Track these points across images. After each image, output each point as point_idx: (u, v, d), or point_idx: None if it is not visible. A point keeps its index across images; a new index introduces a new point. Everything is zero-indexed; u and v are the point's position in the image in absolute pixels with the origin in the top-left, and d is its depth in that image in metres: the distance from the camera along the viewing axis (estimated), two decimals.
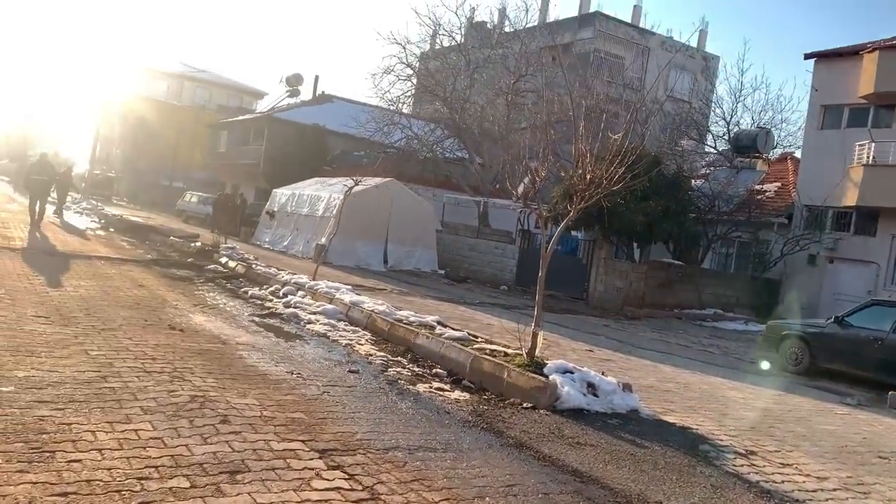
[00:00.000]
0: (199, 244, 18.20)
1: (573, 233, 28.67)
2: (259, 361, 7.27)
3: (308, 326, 9.78)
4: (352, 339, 9.21)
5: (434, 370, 7.96)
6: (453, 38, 29.17)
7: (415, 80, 30.67)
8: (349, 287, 12.97)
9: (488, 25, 35.87)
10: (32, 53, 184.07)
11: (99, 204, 35.49)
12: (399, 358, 8.46)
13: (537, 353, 7.58)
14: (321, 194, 24.24)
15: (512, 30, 33.70)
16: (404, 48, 28.63)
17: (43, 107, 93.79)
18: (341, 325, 10.10)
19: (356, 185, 16.92)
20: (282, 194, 27.34)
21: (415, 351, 8.77)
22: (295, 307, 10.93)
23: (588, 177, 7.87)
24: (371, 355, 8.40)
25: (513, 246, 24.06)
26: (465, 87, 28.37)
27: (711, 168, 28.06)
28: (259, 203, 34.91)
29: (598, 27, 39.78)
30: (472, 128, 28.80)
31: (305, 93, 45.48)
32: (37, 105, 79.22)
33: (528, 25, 33.17)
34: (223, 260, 15.77)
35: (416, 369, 7.98)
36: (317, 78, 43.03)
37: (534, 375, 7.05)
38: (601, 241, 20.41)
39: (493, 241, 25.36)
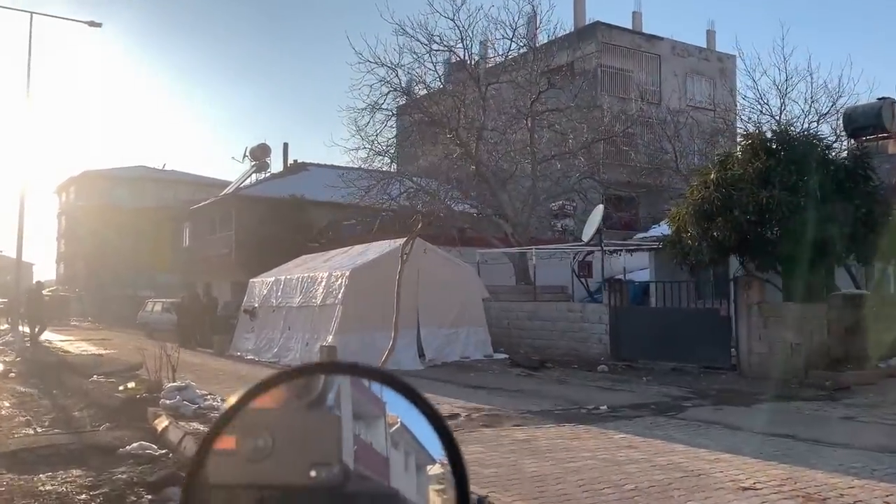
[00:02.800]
0: (131, 386, 10.73)
1: (639, 271, 21.66)
2: None
3: None
4: None
5: None
6: (453, 52, 22.40)
7: (411, 115, 23.80)
8: None
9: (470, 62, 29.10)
10: None
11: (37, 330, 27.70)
12: None
13: None
14: (317, 274, 16.88)
15: (501, 59, 27.10)
16: (396, 71, 21.74)
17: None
18: None
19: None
20: (262, 284, 19.98)
21: None
22: None
23: None
24: None
25: (596, 305, 16.78)
26: (477, 111, 21.55)
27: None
28: (236, 300, 27.47)
29: (602, 38, 33.56)
30: (493, 162, 21.91)
31: (274, 165, 38.63)
32: None
33: (517, 52, 26.41)
34: (163, 424, 8.15)
35: None
36: (286, 146, 36.45)
37: None
38: (747, 278, 13.22)
39: (559, 302, 18.13)
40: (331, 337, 15.27)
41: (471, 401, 10.83)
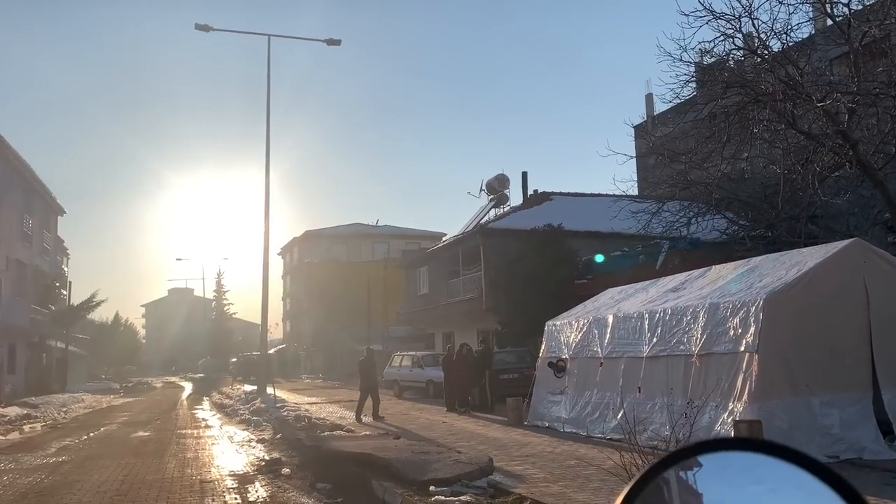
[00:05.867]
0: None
1: None
2: None
3: None
4: None
5: None
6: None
7: (723, 96, 17.59)
8: None
9: None
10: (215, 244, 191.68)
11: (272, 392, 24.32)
12: None
13: None
14: (687, 307, 11.06)
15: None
16: (739, 22, 15.44)
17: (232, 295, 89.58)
18: None
19: None
20: (570, 327, 14.49)
21: None
22: None
23: None
24: None
25: None
26: (849, 72, 15.02)
27: None
28: (504, 351, 22.37)
29: None
30: (876, 143, 15.11)
31: (513, 198, 33.81)
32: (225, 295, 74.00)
33: None
34: None
35: None
36: (524, 175, 31.54)
37: None
38: None
39: None
40: (738, 405, 9.34)
41: None
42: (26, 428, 18.92)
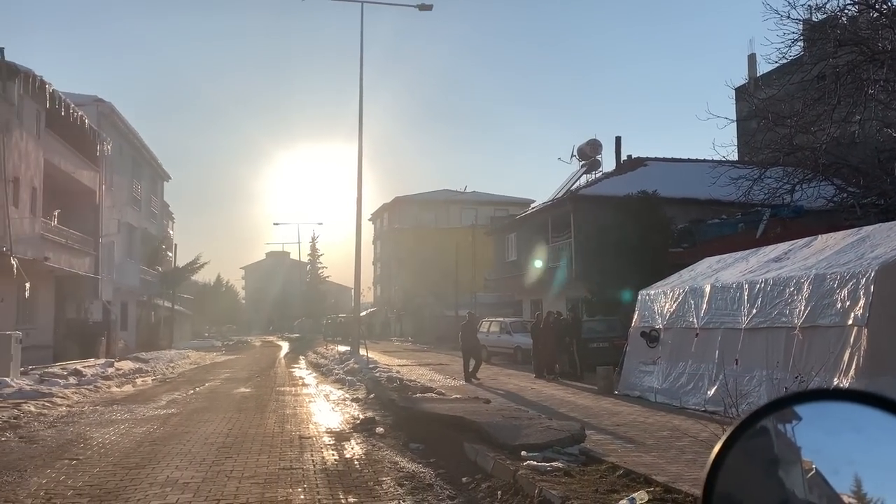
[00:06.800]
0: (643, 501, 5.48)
1: None
2: None
3: None
4: None
5: None
6: None
7: (833, 55, 16.59)
8: None
9: None
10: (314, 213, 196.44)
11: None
12: None
13: None
14: (790, 277, 10.66)
15: None
16: None
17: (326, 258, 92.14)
18: None
19: None
20: (664, 296, 14.22)
21: None
22: None
23: None
24: None
25: None
26: None
27: None
28: (593, 319, 22.22)
29: None
30: None
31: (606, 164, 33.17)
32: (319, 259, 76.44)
33: None
34: None
35: None
36: (618, 140, 30.74)
37: None
38: None
39: None
40: (845, 380, 9.00)
41: None
42: (138, 381, 20.28)
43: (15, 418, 11.75)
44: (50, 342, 25.11)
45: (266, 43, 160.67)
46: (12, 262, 19.44)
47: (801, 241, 12.46)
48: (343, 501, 6.31)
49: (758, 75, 28.71)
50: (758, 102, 21.96)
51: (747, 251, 14.35)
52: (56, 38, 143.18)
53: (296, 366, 28.07)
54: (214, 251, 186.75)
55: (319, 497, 6.47)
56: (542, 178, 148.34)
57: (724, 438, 1.02)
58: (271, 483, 7.01)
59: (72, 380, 17.52)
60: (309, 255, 75.13)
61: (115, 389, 17.76)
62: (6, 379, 15.71)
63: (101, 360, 23.46)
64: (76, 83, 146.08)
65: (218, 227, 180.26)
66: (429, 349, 37.77)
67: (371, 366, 20.47)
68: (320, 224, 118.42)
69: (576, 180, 32.42)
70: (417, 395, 12.99)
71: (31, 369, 18.29)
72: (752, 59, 31.50)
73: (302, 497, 6.45)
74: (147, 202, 40.63)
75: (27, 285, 20.76)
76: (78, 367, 19.76)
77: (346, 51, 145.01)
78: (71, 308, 28.24)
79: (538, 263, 24.33)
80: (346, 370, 20.73)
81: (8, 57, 20.06)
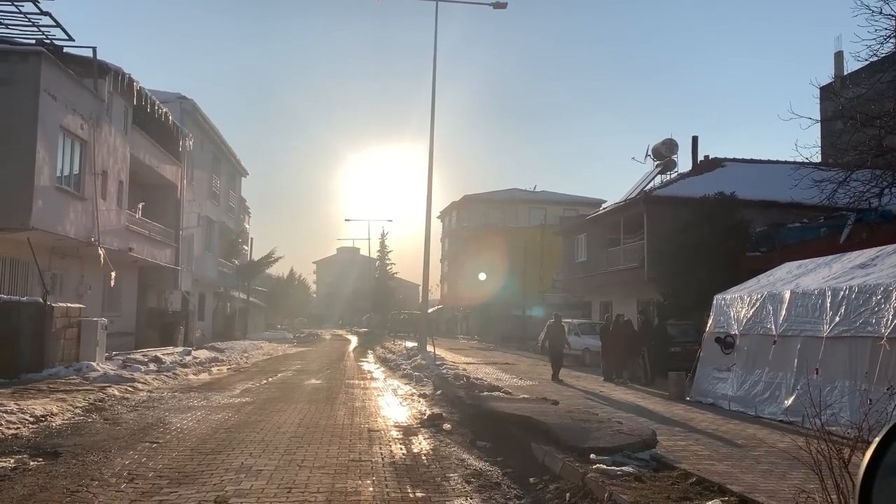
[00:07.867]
0: None
1: None
2: None
3: None
4: None
5: None
6: None
7: None
8: None
9: None
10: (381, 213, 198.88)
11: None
12: None
13: None
14: (879, 285, 10.17)
15: None
16: None
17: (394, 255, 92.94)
18: None
19: None
20: (741, 301, 13.80)
21: None
22: None
23: None
24: None
25: None
26: None
27: None
28: (667, 324, 21.72)
29: None
30: None
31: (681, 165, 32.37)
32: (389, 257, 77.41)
33: None
34: None
35: None
36: (695, 140, 29.94)
37: None
38: None
39: None
40: None
41: None
42: (214, 370, 20.95)
43: (100, 401, 12.30)
44: (132, 329, 26.20)
45: (338, 45, 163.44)
46: (100, 251, 20.35)
47: (890, 248, 11.87)
48: (411, 495, 6.35)
49: (845, 74, 27.48)
50: (844, 102, 21.02)
51: (830, 257, 13.77)
52: (145, 39, 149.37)
53: (364, 360, 28.47)
54: (288, 246, 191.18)
55: (388, 490, 6.53)
56: (614, 178, 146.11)
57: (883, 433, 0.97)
58: (341, 474, 7.12)
59: (152, 366, 18.25)
60: (378, 251, 76.03)
61: (192, 377, 18.39)
62: (93, 363, 16.49)
63: (180, 349, 24.36)
64: (161, 81, 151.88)
65: (292, 223, 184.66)
66: (494, 348, 37.71)
67: (438, 362, 20.59)
68: (390, 221, 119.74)
69: (650, 181, 31.76)
70: (484, 393, 12.97)
71: (115, 355, 19.15)
72: (838, 56, 30.18)
73: (371, 490, 6.53)
74: (225, 197, 41.90)
75: (112, 275, 21.71)
76: (158, 354, 20.57)
77: (415, 50, 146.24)
78: (152, 297, 29.39)
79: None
80: (413, 366, 20.90)
81: (99, 56, 21.01)
